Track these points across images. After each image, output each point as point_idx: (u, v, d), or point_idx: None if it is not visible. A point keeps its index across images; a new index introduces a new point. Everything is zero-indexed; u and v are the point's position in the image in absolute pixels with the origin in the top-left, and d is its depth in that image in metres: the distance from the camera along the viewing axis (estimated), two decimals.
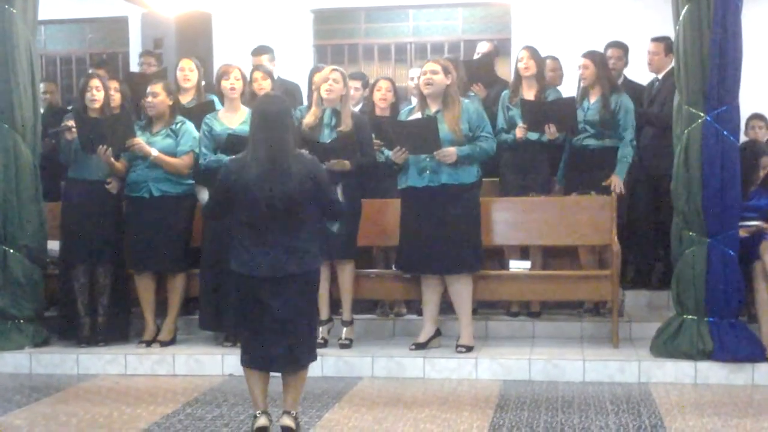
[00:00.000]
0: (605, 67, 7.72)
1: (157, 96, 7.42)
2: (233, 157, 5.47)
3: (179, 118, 7.51)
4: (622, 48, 8.58)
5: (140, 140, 7.35)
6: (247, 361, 5.29)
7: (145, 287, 7.55)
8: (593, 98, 7.64)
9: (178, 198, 7.44)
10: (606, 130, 7.55)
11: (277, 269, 5.12)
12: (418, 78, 7.87)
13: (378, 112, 7.95)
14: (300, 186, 5.11)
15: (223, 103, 7.77)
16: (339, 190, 5.69)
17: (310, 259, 5.21)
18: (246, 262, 5.18)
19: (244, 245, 5.19)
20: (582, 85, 7.73)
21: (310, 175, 5.15)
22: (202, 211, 5.61)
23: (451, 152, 6.87)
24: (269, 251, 5.13)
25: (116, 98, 7.65)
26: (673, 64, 7.52)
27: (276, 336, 5.16)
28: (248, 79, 7.75)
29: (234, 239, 5.28)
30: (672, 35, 6.89)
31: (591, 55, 7.68)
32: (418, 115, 7.09)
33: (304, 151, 5.46)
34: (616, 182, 7.43)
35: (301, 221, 5.17)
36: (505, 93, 7.97)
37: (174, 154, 7.40)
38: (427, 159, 6.95)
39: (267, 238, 5.13)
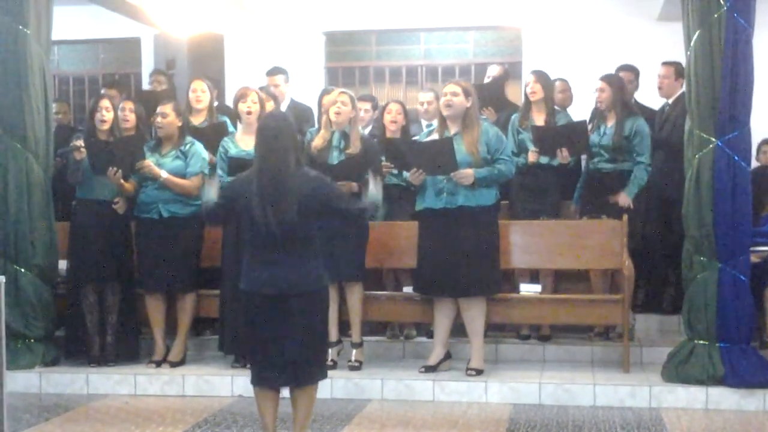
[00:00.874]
0: (622, 91, 7.69)
1: (166, 117, 7.45)
2: (240, 174, 5.49)
3: (188, 139, 7.53)
4: (633, 71, 8.57)
5: (150, 162, 7.38)
6: (256, 380, 5.27)
7: (155, 307, 7.55)
8: (609, 122, 7.64)
9: (186, 219, 7.45)
10: (619, 155, 7.55)
11: (279, 288, 5.11)
12: (430, 101, 7.91)
13: (388, 134, 7.96)
14: (300, 204, 5.08)
15: (235, 125, 7.79)
16: (372, 183, 5.58)
17: (314, 278, 5.19)
18: (251, 280, 5.18)
19: (250, 263, 5.20)
20: (598, 108, 7.73)
21: (314, 193, 5.14)
22: (201, 209, 5.59)
23: (468, 174, 6.88)
24: (272, 269, 5.12)
25: (131, 119, 7.64)
26: (683, 88, 7.54)
27: (282, 354, 5.13)
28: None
29: (244, 258, 5.29)
30: (683, 59, 6.90)
31: (608, 79, 7.70)
32: (436, 136, 7.10)
33: (308, 169, 5.41)
34: (624, 199, 7.42)
35: (304, 240, 5.16)
36: (515, 117, 7.98)
37: (183, 176, 7.42)
38: (445, 181, 6.96)
39: (270, 257, 5.13)
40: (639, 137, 7.50)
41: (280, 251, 5.12)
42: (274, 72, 9.08)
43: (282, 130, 5.17)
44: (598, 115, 7.88)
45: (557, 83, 8.78)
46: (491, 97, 8.46)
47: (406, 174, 7.19)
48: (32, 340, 7.51)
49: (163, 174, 7.35)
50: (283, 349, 5.14)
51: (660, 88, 8.43)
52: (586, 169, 7.88)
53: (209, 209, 5.55)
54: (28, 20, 7.42)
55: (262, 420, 5.33)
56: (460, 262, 6.90)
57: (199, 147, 7.51)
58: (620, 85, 7.73)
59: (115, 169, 7.26)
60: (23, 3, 7.37)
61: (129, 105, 7.74)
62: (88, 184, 7.50)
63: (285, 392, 5.32)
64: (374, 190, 5.52)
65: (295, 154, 5.20)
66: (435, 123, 7.40)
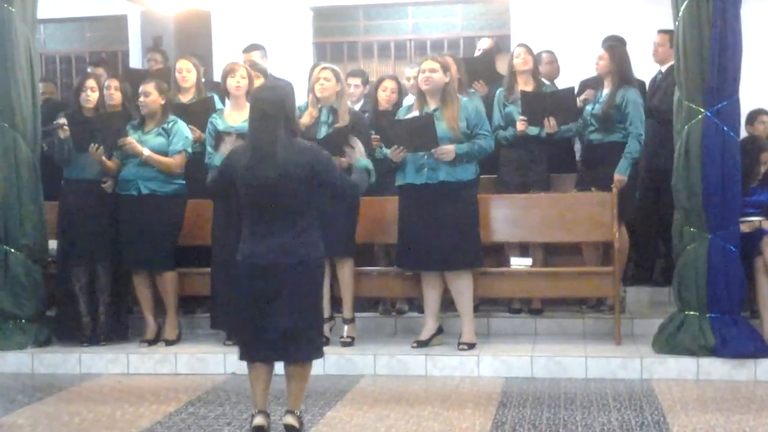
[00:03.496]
0: (620, 61, 7.57)
1: (149, 95, 7.42)
2: (237, 146, 5.49)
3: (171, 117, 7.51)
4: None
5: (132, 139, 7.36)
6: (246, 355, 5.25)
7: (141, 286, 7.55)
8: (605, 91, 7.62)
9: (166, 197, 7.44)
10: (609, 126, 7.53)
11: (272, 257, 5.10)
12: (417, 76, 7.89)
13: (380, 108, 7.93)
14: (292, 174, 5.06)
15: (223, 101, 7.76)
16: (356, 149, 5.56)
17: (308, 248, 5.18)
18: (244, 251, 5.18)
19: (245, 234, 5.21)
20: (598, 76, 7.71)
21: (307, 164, 5.12)
22: (206, 184, 5.61)
23: (449, 150, 6.87)
24: (266, 240, 5.11)
25: (116, 97, 7.64)
26: None
27: (274, 326, 5.13)
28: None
29: (242, 229, 5.28)
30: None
31: (609, 47, 7.66)
32: (416, 113, 7.08)
33: (302, 140, 5.37)
34: (618, 178, 7.39)
35: (297, 210, 5.15)
36: (500, 91, 7.95)
37: (166, 153, 7.40)
38: (425, 156, 6.95)
39: (263, 227, 5.13)
40: (631, 107, 7.43)
41: (274, 221, 5.11)
42: (250, 48, 9.03)
43: (273, 101, 5.17)
44: (593, 84, 7.83)
45: (544, 55, 8.76)
46: (482, 70, 8.43)
47: (386, 150, 7.15)
48: (23, 321, 7.52)
49: (146, 151, 7.33)
50: (276, 322, 5.12)
51: (654, 54, 8.43)
52: (583, 141, 7.87)
53: (209, 181, 5.56)
54: None
55: (253, 396, 5.32)
56: (441, 236, 6.91)
57: (182, 125, 7.48)
58: (619, 54, 7.62)
59: (96, 145, 7.24)
60: None
61: (114, 83, 7.71)
62: (75, 163, 7.49)
63: (279, 369, 5.32)
64: (361, 155, 5.52)
65: (288, 125, 5.17)
66: (412, 99, 7.38)
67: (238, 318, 5.40)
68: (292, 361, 5.24)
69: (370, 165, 5.58)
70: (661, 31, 8.40)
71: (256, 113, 5.20)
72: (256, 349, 5.22)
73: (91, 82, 7.48)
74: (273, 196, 5.08)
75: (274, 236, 5.12)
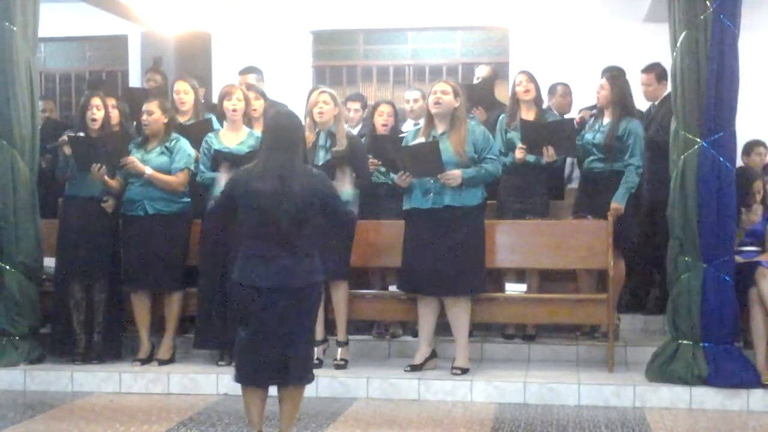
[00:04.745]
0: (620, 92, 7.60)
1: (152, 114, 7.45)
2: (242, 168, 5.51)
3: (174, 135, 7.52)
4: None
5: (134, 158, 7.37)
6: (242, 378, 5.24)
7: (140, 305, 7.53)
8: (605, 120, 7.64)
9: (173, 216, 7.45)
10: (611, 155, 7.55)
11: (280, 281, 5.10)
12: (417, 99, 7.94)
13: (378, 133, 7.96)
14: (304, 203, 5.11)
15: (221, 123, 7.80)
16: (347, 181, 5.58)
17: (313, 273, 5.21)
18: (249, 273, 5.16)
19: (248, 256, 5.18)
20: (597, 104, 7.73)
21: (317, 193, 5.16)
22: (208, 211, 5.62)
23: (455, 175, 6.89)
24: (273, 263, 5.11)
25: (114, 116, 7.69)
26: (668, 90, 7.54)
27: (273, 350, 5.13)
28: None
29: (239, 251, 5.27)
30: (669, 60, 6.92)
31: (610, 77, 7.68)
32: (422, 139, 7.10)
33: (310, 167, 5.43)
34: (614, 208, 7.40)
35: (305, 235, 5.17)
36: (502, 117, 7.98)
37: (169, 172, 7.41)
38: (432, 181, 6.97)
39: (272, 251, 5.11)
40: (632, 138, 7.45)
41: (280, 246, 5.11)
42: (246, 71, 9.08)
43: (290, 128, 5.23)
44: (597, 112, 7.86)
45: (559, 87, 8.79)
46: (481, 97, 8.47)
47: (393, 176, 7.18)
48: (17, 338, 7.50)
49: (148, 170, 7.34)
50: (274, 345, 5.12)
51: (645, 95, 8.43)
52: (582, 168, 7.89)
53: (214, 212, 5.58)
54: (14, 17, 7.41)
55: (248, 417, 5.31)
56: (445, 261, 6.91)
57: (184, 143, 7.50)
58: (620, 85, 7.66)
59: (98, 165, 7.25)
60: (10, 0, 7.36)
61: (111, 101, 7.75)
62: (76, 180, 7.49)
63: (272, 389, 5.31)
64: (348, 188, 5.57)
65: (302, 152, 5.25)
66: (422, 122, 7.41)
67: (236, 339, 5.38)
68: (287, 384, 5.24)
69: (351, 197, 5.62)
70: (645, 70, 8.40)
71: (275, 141, 5.20)
72: (253, 372, 5.20)
73: (96, 101, 7.49)
74: (282, 221, 5.07)
75: (277, 260, 5.11)
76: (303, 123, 5.50)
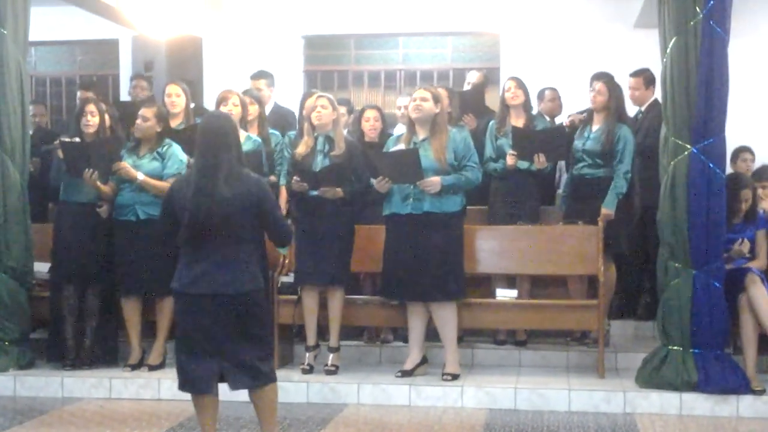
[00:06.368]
0: (617, 98, 7.61)
1: (147, 121, 7.44)
2: (179, 177, 5.46)
3: (166, 141, 7.51)
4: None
5: (126, 164, 7.36)
6: (182, 385, 5.14)
7: (131, 310, 7.51)
8: (595, 127, 7.65)
9: None
10: (604, 161, 7.56)
11: (210, 287, 5.00)
12: (408, 104, 7.94)
13: (367, 140, 7.96)
14: (235, 206, 5.00)
15: None
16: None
17: (246, 280, 5.08)
18: (182, 279, 5.09)
19: (183, 263, 5.12)
20: (592, 108, 7.73)
21: (253, 195, 5.07)
22: (157, 224, 5.57)
23: (435, 182, 6.89)
24: (204, 269, 5.02)
25: (106, 120, 7.65)
26: (654, 95, 7.55)
27: (208, 356, 5.04)
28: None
29: (179, 258, 5.21)
30: (659, 66, 6.93)
31: (607, 82, 7.64)
32: (401, 146, 7.10)
33: (249, 171, 5.30)
34: (605, 213, 7.42)
35: (238, 241, 5.07)
36: (492, 123, 7.99)
37: (161, 177, 7.39)
38: (411, 187, 6.97)
39: (202, 256, 5.03)
40: (623, 144, 7.46)
41: (213, 250, 5.02)
42: (258, 76, 9.10)
43: (219, 130, 5.12)
44: (586, 117, 7.85)
45: (547, 92, 8.79)
46: (472, 103, 8.47)
47: (372, 181, 7.16)
48: (7, 343, 7.48)
49: (140, 176, 7.33)
50: (208, 353, 5.03)
51: (631, 98, 8.43)
52: (570, 174, 7.89)
53: (158, 220, 5.51)
54: (5, 20, 7.41)
55: (200, 425, 5.22)
56: (425, 267, 6.91)
57: (176, 149, 7.49)
58: (618, 91, 7.66)
59: (90, 170, 7.24)
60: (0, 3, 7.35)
61: (104, 107, 7.71)
62: (70, 186, 7.47)
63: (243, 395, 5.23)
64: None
65: (234, 154, 5.11)
66: (400, 128, 7.41)
67: (178, 347, 5.25)
68: (235, 389, 5.14)
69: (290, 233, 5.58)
70: (634, 74, 8.45)
71: (203, 144, 5.11)
72: (192, 379, 5.10)
73: (91, 107, 7.48)
74: (214, 226, 4.99)
75: (210, 265, 5.02)
76: (236, 126, 5.41)
